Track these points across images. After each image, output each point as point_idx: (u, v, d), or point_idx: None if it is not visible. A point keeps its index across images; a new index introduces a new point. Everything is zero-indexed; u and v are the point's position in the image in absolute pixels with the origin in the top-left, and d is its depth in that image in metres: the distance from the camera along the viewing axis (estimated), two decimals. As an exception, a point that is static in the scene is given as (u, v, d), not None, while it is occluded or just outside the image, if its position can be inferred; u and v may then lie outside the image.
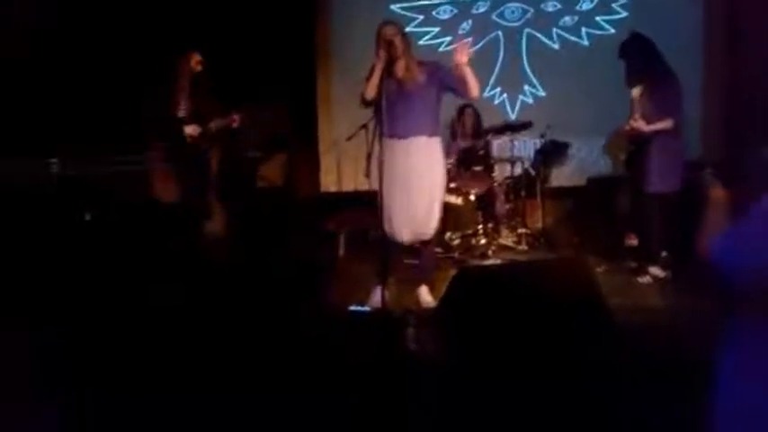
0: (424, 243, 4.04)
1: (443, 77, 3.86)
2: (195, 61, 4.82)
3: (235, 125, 4.87)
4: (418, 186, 3.83)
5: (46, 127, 4.92)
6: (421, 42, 6.15)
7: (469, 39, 3.83)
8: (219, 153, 5.12)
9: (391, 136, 3.78)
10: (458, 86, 3.85)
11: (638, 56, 4.51)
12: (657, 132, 4.42)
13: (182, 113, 4.82)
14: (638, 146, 4.61)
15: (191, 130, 4.81)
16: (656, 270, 4.49)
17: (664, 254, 4.57)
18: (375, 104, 3.75)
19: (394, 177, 3.75)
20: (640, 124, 4.47)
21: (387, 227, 3.82)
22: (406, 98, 3.80)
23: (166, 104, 4.80)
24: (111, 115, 5.10)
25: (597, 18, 6.32)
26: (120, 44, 5.48)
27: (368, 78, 3.81)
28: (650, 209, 4.47)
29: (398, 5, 6.47)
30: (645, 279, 4.47)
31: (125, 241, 4.46)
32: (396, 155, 3.80)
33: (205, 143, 4.92)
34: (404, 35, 3.87)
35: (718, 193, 1.71)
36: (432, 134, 3.90)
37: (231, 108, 4.87)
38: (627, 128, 4.65)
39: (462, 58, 3.73)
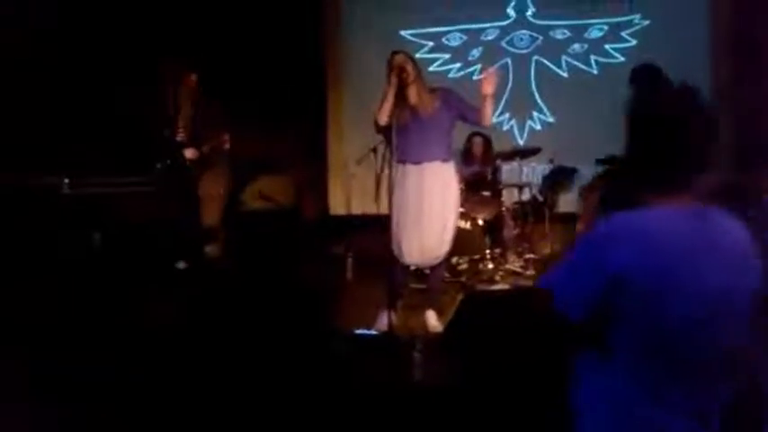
0: (433, 267, 4.05)
1: (456, 104, 3.92)
2: (194, 83, 4.84)
3: (226, 146, 4.87)
4: (430, 211, 3.85)
5: (55, 146, 4.95)
6: (431, 69, 6.20)
7: (495, 70, 3.89)
8: (224, 174, 5.12)
9: (404, 161, 3.83)
10: (470, 114, 3.91)
11: (648, 84, 4.53)
12: None
13: (180, 137, 4.84)
14: None
15: (189, 153, 4.83)
16: None
17: None
18: (389, 130, 3.80)
19: (406, 202, 3.79)
20: None
21: (396, 250, 3.83)
22: (419, 124, 3.84)
23: (166, 127, 4.82)
24: (118, 135, 5.13)
25: (606, 46, 6.37)
26: (131, 63, 5.51)
27: (380, 105, 3.86)
28: None
29: (409, 32, 6.54)
30: None
31: (131, 261, 4.49)
32: (408, 180, 3.83)
33: (201, 165, 4.90)
34: (414, 62, 3.92)
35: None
36: (444, 160, 3.93)
37: (225, 128, 4.87)
38: None
39: (489, 89, 3.79)
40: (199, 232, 4.94)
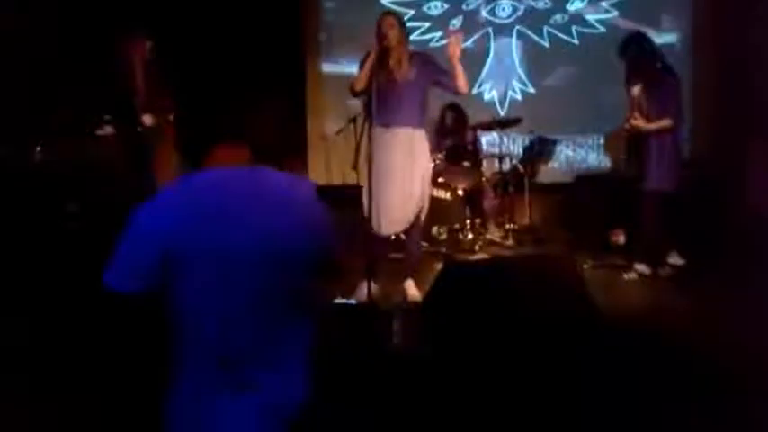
0: (408, 235, 4.04)
1: (432, 70, 3.88)
2: (148, 49, 4.68)
3: (170, 117, 4.68)
4: (401, 176, 3.83)
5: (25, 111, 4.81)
6: (412, 37, 6.11)
7: (461, 32, 3.83)
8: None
9: (378, 125, 3.78)
10: (446, 81, 3.87)
11: (639, 54, 4.51)
12: (657, 131, 4.45)
13: (137, 102, 4.65)
14: (636, 144, 4.62)
15: (147, 119, 4.66)
16: (642, 267, 4.52)
17: (673, 256, 4.63)
18: (366, 95, 3.75)
19: (379, 167, 3.75)
20: (640, 123, 4.49)
21: (372, 218, 3.81)
22: (395, 89, 3.80)
23: (122, 91, 4.67)
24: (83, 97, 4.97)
25: (587, 17, 6.34)
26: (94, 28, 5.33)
27: (360, 67, 3.82)
28: (647, 207, 4.48)
29: (389, 0, 6.46)
30: (630, 275, 4.49)
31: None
32: (381, 144, 3.79)
33: (158, 132, 4.71)
34: (402, 27, 3.87)
35: None
36: (417, 126, 3.91)
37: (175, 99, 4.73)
38: (626, 126, 4.65)
39: (455, 51, 3.76)
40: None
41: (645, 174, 4.48)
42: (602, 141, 6.39)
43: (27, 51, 5.06)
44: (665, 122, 4.43)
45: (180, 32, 5.02)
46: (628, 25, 5.90)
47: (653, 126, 4.45)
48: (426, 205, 4.01)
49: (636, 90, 4.53)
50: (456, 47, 3.76)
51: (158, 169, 4.75)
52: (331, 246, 1.72)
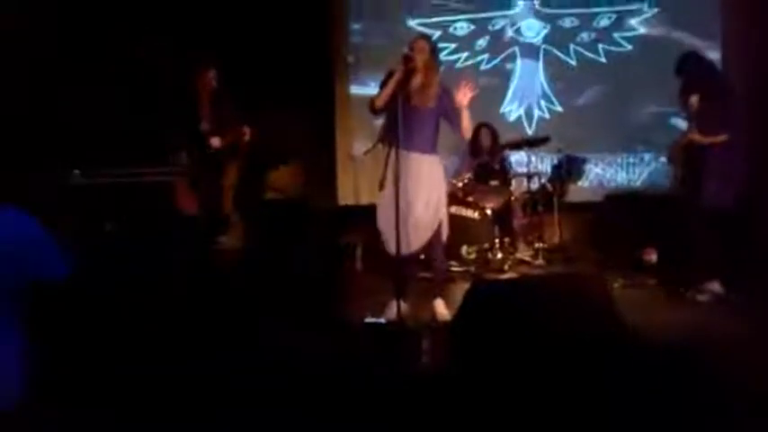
0: (430, 256, 4.05)
1: (448, 105, 3.88)
2: (212, 76, 4.95)
3: (246, 138, 4.93)
4: (413, 200, 3.82)
5: (66, 137, 4.99)
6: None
7: (473, 83, 3.85)
8: (237, 165, 5.17)
9: (399, 147, 3.81)
10: (454, 121, 3.89)
11: (695, 70, 4.48)
12: (715, 145, 4.34)
13: (205, 127, 4.91)
14: (694, 159, 4.52)
15: (215, 142, 4.91)
16: (716, 287, 4.37)
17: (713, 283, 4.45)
18: (387, 116, 3.80)
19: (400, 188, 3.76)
20: (696, 136, 4.42)
21: (384, 238, 3.85)
22: (413, 113, 3.81)
23: (190, 118, 4.88)
24: (131, 126, 5.16)
25: (614, 35, 6.34)
26: (142, 55, 5.55)
27: (381, 86, 3.86)
28: (702, 224, 4.35)
29: (416, 21, 6.52)
30: (703, 297, 4.36)
31: (143, 252, 4.50)
32: (400, 167, 3.81)
33: (225, 155, 5.00)
34: (432, 53, 3.88)
35: None
36: (431, 152, 3.92)
37: (243, 121, 4.94)
38: (684, 141, 4.59)
39: (463, 100, 3.77)
40: (218, 222, 5.00)
41: (700, 190, 4.36)
42: (631, 160, 6.35)
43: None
44: (722, 137, 4.32)
45: (223, 57, 5.20)
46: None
47: (710, 140, 4.35)
48: (446, 225, 4.01)
49: (694, 101, 4.45)
50: (464, 96, 3.75)
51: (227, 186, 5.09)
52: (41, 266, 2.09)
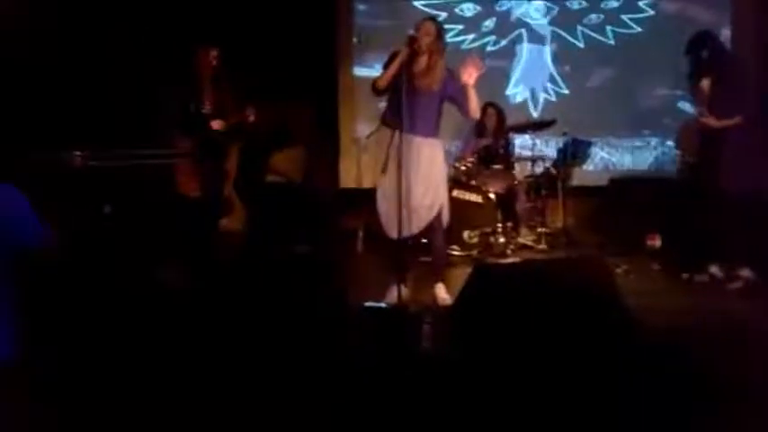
0: (431, 240, 4.02)
1: (450, 89, 3.83)
2: (213, 56, 4.82)
3: (251, 119, 4.88)
4: (413, 182, 3.77)
5: (68, 119, 4.96)
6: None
7: (480, 60, 3.79)
8: (239, 147, 5.14)
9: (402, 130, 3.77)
10: (461, 101, 3.84)
11: (707, 50, 4.36)
12: (730, 129, 4.24)
13: (206, 109, 4.85)
14: (708, 144, 4.44)
15: (216, 124, 4.83)
16: (715, 270, 4.37)
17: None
18: (389, 97, 3.76)
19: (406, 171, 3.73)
20: (710, 120, 4.33)
21: (384, 221, 3.82)
22: (416, 96, 3.76)
23: (191, 100, 4.82)
24: (132, 109, 5.14)
25: (623, 16, 6.25)
26: (142, 38, 5.52)
27: (385, 66, 3.81)
28: (716, 209, 4.27)
29: (422, 3, 6.45)
30: (702, 277, 4.35)
31: (145, 234, 4.49)
32: (405, 149, 3.78)
33: (227, 137, 4.94)
34: (439, 37, 3.82)
35: None
36: (433, 135, 3.88)
37: (246, 102, 4.88)
38: (696, 126, 4.50)
39: (468, 79, 3.71)
40: (220, 204, 4.97)
41: (715, 174, 4.28)
42: (637, 143, 6.29)
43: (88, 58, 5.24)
44: (737, 119, 4.22)
45: (226, 38, 5.14)
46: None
47: (723, 123, 4.26)
48: (447, 210, 3.98)
49: (705, 84, 4.36)
50: (471, 75, 3.70)
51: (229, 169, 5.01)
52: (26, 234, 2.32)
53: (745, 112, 4.23)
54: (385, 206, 3.81)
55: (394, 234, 3.78)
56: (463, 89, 3.76)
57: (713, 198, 4.33)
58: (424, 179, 3.82)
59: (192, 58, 4.83)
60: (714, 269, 4.40)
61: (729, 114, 4.25)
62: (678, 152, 5.54)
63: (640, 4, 6.24)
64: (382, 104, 4.10)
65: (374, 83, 3.84)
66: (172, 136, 4.78)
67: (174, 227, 4.53)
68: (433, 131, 3.89)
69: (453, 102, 3.88)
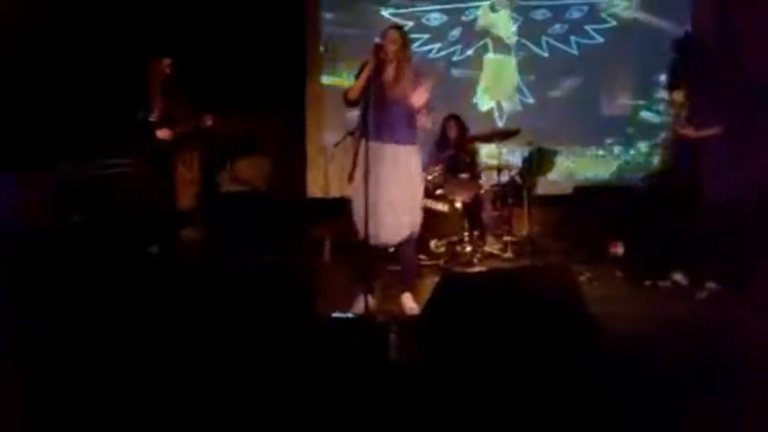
0: (402, 249, 4.02)
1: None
2: (165, 65, 4.79)
3: (208, 123, 4.82)
4: (394, 190, 3.78)
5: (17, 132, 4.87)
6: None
7: (428, 85, 3.82)
8: (198, 157, 5.06)
9: (373, 140, 3.76)
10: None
11: (692, 53, 4.40)
12: (707, 138, 4.20)
13: (154, 117, 4.77)
14: (684, 152, 4.44)
15: (162, 133, 4.76)
16: (679, 277, 4.41)
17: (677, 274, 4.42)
18: (361, 107, 3.74)
19: (376, 180, 3.73)
20: (688, 131, 4.32)
21: (365, 230, 3.80)
22: (388, 105, 3.77)
23: (140, 108, 4.76)
24: (93, 120, 5.05)
25: (586, 27, 6.35)
26: (104, 47, 5.43)
27: (356, 78, 3.81)
28: (684, 217, 4.27)
29: (389, 11, 6.48)
30: (666, 284, 4.39)
31: (106, 245, 4.41)
32: (377, 159, 3.78)
33: (174, 146, 4.86)
34: (405, 45, 3.83)
35: None
36: (410, 142, 3.88)
37: (207, 111, 4.83)
38: (674, 135, 4.50)
39: (418, 102, 3.73)
40: (174, 215, 4.87)
41: (695, 183, 4.25)
42: (600, 152, 6.38)
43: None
44: (715, 130, 4.18)
45: (187, 47, 5.07)
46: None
47: (701, 134, 4.23)
48: (419, 218, 3.99)
49: (677, 97, 4.37)
50: (419, 98, 3.71)
51: (178, 179, 4.92)
52: None
53: (724, 121, 4.18)
54: (366, 215, 3.77)
55: (377, 242, 3.80)
56: (417, 111, 3.78)
57: (683, 207, 4.34)
58: (403, 187, 3.83)
59: (144, 66, 4.78)
60: (678, 276, 4.47)
61: (707, 124, 4.21)
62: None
63: (603, 14, 6.35)
64: (351, 114, 4.10)
65: (345, 94, 3.84)
66: (126, 145, 4.72)
67: (133, 238, 4.46)
68: (409, 138, 3.89)
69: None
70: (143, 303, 3.55)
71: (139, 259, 4.45)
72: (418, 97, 3.73)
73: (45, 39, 5.23)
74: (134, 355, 2.92)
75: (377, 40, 3.78)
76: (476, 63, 6.46)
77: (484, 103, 6.50)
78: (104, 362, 2.80)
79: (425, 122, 3.89)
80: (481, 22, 6.49)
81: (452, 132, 5.76)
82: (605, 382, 2.54)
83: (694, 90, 4.34)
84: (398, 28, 3.95)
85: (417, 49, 6.24)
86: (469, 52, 6.46)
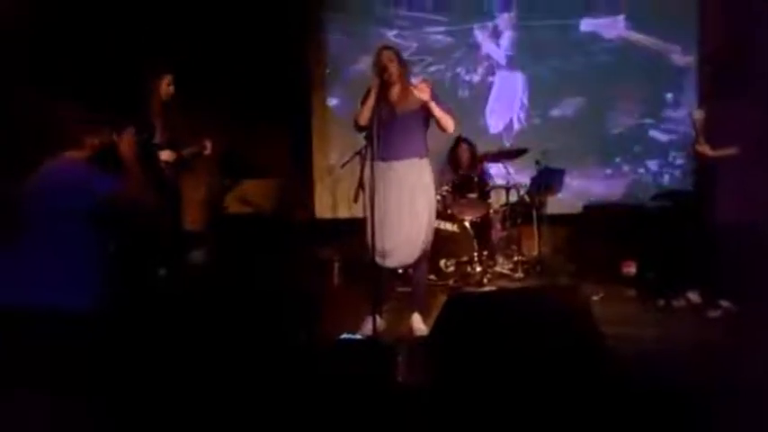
0: (415, 268, 3.99)
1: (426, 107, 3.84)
2: (167, 83, 4.61)
3: (206, 152, 4.72)
4: (410, 207, 3.80)
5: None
6: (416, 70, 6.16)
7: (428, 81, 3.83)
8: (204, 179, 5.03)
9: (383, 159, 3.76)
10: (434, 119, 3.86)
11: (726, 67, 4.28)
12: (727, 160, 4.10)
13: (157, 139, 4.61)
14: (706, 172, 4.36)
15: (165, 155, 4.62)
16: (694, 297, 4.36)
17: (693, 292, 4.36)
18: (368, 129, 3.75)
19: (386, 200, 3.72)
20: (705, 149, 4.23)
21: (376, 252, 3.77)
22: (399, 122, 3.79)
23: (143, 130, 4.68)
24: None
25: (592, 46, 6.34)
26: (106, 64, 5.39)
27: (362, 103, 3.82)
28: (707, 240, 4.15)
29: (393, 32, 6.50)
30: (680, 303, 4.33)
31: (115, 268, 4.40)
32: (388, 177, 3.78)
33: (178, 169, 4.74)
34: (400, 61, 3.88)
35: None
36: (422, 156, 3.89)
37: (201, 134, 4.72)
38: (692, 152, 4.46)
39: (423, 95, 3.73)
40: (181, 237, 4.83)
41: (710, 204, 4.17)
42: (609, 171, 6.35)
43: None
44: (730, 150, 4.08)
45: (189, 67, 5.00)
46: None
47: (719, 153, 4.14)
48: (431, 236, 3.97)
49: (698, 115, 4.30)
50: (423, 92, 3.72)
51: (186, 202, 4.85)
52: None
53: (750, 142, 4.05)
54: (373, 236, 3.74)
55: (389, 264, 3.82)
56: (427, 108, 3.77)
57: (697, 226, 4.28)
58: (419, 205, 3.83)
59: (145, 85, 4.61)
60: (692, 295, 4.41)
61: (726, 144, 4.11)
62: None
63: (608, 34, 6.34)
64: (357, 135, 4.07)
65: (355, 120, 3.84)
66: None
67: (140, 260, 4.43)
68: (423, 152, 3.90)
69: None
70: (151, 324, 3.54)
71: (147, 281, 4.43)
72: (421, 91, 3.73)
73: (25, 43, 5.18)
74: (139, 378, 2.90)
75: (376, 62, 3.80)
76: (482, 84, 6.47)
77: (491, 123, 6.49)
78: (109, 385, 2.78)
79: (449, 122, 3.82)
80: (486, 44, 6.50)
81: (464, 155, 5.78)
82: (617, 405, 2.50)
83: (715, 107, 4.26)
84: (389, 47, 3.97)
85: (422, 71, 6.26)
86: (475, 74, 6.47)
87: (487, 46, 6.50)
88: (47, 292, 2.76)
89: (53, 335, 2.73)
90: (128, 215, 3.13)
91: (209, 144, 4.71)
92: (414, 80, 3.88)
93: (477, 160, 5.78)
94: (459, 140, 5.76)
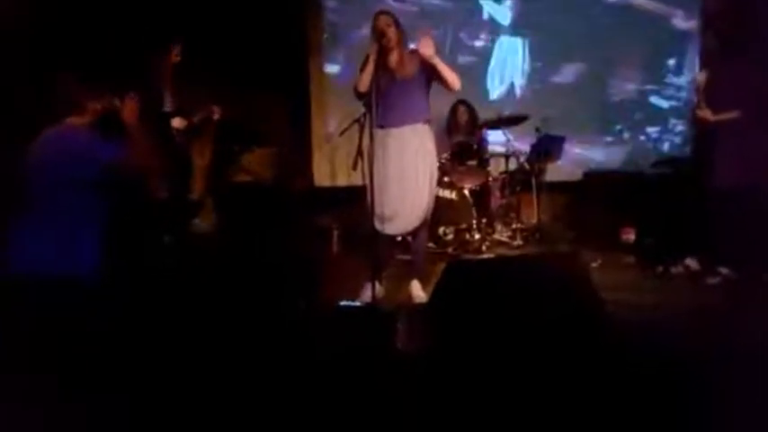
0: (414, 236, 3.99)
1: (428, 68, 3.79)
2: (175, 54, 4.66)
3: (215, 117, 4.77)
4: (412, 174, 3.78)
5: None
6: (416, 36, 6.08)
7: (428, 31, 3.77)
8: (210, 146, 5.03)
9: (383, 126, 3.73)
10: (438, 78, 3.80)
11: (740, 24, 4.16)
12: (725, 122, 4.05)
13: (167, 107, 4.69)
14: (706, 136, 4.30)
15: (177, 123, 4.68)
16: (693, 263, 4.37)
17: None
18: (368, 96, 3.71)
19: (386, 167, 3.70)
20: (706, 114, 4.16)
21: (376, 219, 3.76)
22: (399, 88, 3.75)
23: (152, 98, 4.69)
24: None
25: (592, 11, 6.24)
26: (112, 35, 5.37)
27: (361, 69, 3.77)
28: (705, 207, 4.12)
29: (393, -1, 6.42)
30: (678, 269, 4.34)
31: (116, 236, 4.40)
32: (388, 144, 3.75)
33: (190, 136, 4.81)
34: (398, 26, 3.82)
35: None
36: (424, 121, 3.86)
37: (212, 100, 4.77)
38: (692, 117, 4.42)
39: (427, 50, 3.66)
40: (186, 204, 4.85)
41: (709, 168, 4.12)
42: (610, 138, 6.32)
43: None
44: (731, 114, 4.03)
45: (191, 36, 5.00)
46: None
47: (719, 118, 4.08)
48: (432, 204, 3.96)
49: (701, 78, 4.23)
50: (426, 46, 3.65)
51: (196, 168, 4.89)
52: None
53: (745, 105, 4.00)
54: (372, 203, 3.72)
55: (389, 231, 3.81)
56: (430, 63, 3.71)
57: (696, 193, 4.25)
58: (420, 172, 3.79)
59: (154, 54, 4.67)
60: (690, 261, 4.42)
61: (726, 107, 4.06)
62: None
63: (610, -1, 6.25)
64: (355, 102, 4.03)
65: (355, 87, 3.79)
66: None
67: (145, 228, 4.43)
68: (425, 117, 3.86)
69: (438, 80, 3.81)
70: (156, 291, 3.55)
71: (152, 249, 4.43)
72: (424, 46, 3.66)
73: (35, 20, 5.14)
74: (142, 344, 2.92)
75: (373, 27, 3.74)
76: (483, 49, 6.39)
77: (492, 89, 6.43)
78: (108, 355, 2.79)
79: (454, 79, 3.77)
80: (486, 8, 6.41)
81: (462, 118, 5.73)
82: (616, 371, 2.51)
83: (717, 71, 4.18)
84: (386, 11, 3.91)
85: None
86: (475, 39, 6.39)
87: (487, 11, 6.41)
88: (51, 260, 2.75)
89: (56, 304, 2.75)
90: (132, 182, 3.12)
91: (217, 109, 4.73)
92: (417, 36, 3.77)
93: (477, 126, 5.74)
94: (457, 103, 5.71)
